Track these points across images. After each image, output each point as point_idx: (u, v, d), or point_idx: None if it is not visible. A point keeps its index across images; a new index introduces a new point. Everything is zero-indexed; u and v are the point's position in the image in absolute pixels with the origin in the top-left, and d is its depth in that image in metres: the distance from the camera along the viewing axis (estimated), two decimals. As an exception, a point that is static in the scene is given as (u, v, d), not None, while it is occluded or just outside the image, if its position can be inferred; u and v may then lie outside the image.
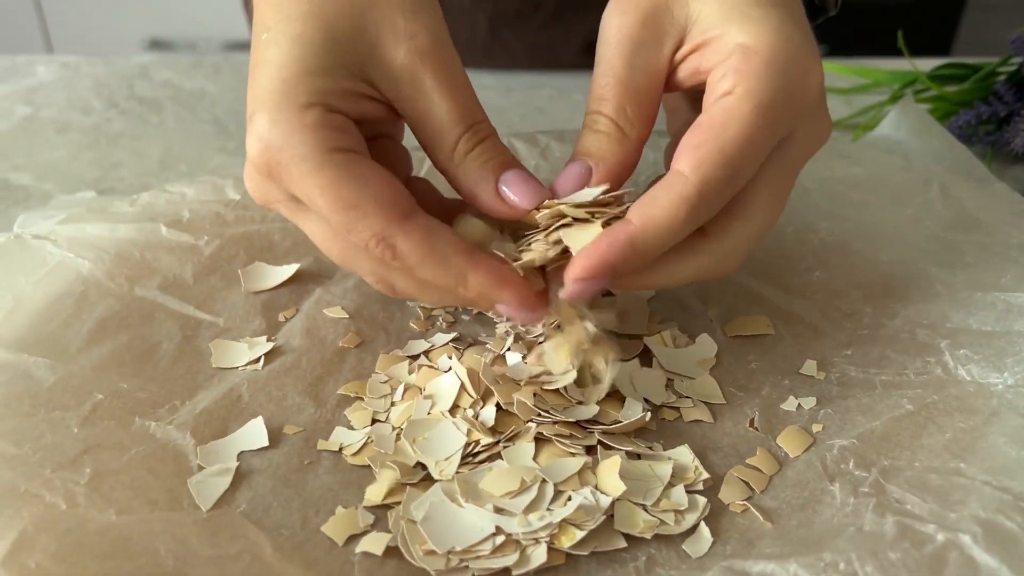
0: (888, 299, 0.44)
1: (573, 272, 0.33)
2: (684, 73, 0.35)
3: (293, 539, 0.33)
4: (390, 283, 0.36)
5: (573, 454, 0.35)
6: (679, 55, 0.35)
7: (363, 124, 0.35)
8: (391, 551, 0.32)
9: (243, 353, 0.41)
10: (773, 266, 0.47)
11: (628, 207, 0.34)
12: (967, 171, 0.51)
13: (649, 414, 0.37)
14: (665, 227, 0.32)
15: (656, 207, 0.32)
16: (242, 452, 0.36)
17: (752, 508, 0.34)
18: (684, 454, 0.36)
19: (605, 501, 0.33)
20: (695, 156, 0.32)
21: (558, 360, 0.37)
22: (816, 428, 0.37)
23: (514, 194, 0.35)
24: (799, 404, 0.38)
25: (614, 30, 0.35)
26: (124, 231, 0.47)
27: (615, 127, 0.35)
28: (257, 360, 0.40)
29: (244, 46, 1.75)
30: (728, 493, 0.34)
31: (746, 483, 0.35)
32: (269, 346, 0.41)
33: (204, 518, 0.33)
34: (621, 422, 0.36)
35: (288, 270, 0.46)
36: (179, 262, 0.46)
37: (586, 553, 0.32)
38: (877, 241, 0.47)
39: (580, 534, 0.32)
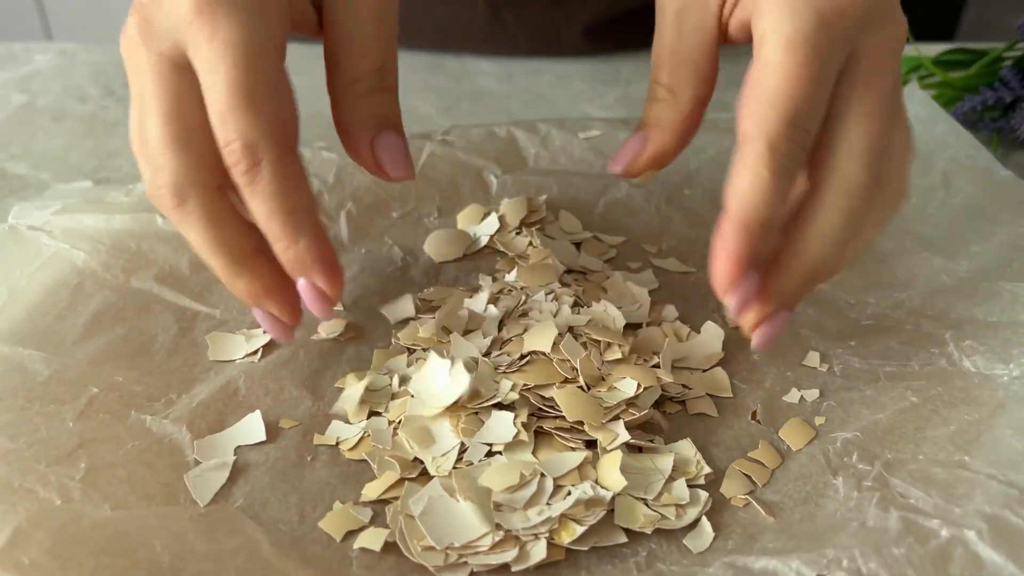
0: (892, 289, 0.43)
1: (720, 284, 0.33)
2: (735, 27, 0.35)
3: (291, 534, 0.32)
4: (183, 195, 0.33)
5: (573, 449, 0.34)
6: (726, 11, 0.35)
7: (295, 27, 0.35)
8: (389, 546, 0.32)
9: (240, 346, 0.40)
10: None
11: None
12: (973, 158, 0.50)
13: (653, 410, 0.37)
14: (759, 192, 0.32)
15: (741, 180, 0.32)
16: (239, 446, 0.36)
17: (754, 502, 0.33)
18: (686, 447, 0.35)
19: (605, 496, 0.32)
20: (750, 118, 0.32)
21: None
22: (819, 421, 0.37)
23: (386, 155, 0.36)
24: (801, 396, 0.38)
25: (659, 2, 0.36)
26: (120, 221, 0.46)
27: (668, 92, 0.36)
28: (255, 353, 0.40)
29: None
30: (730, 487, 0.34)
31: (748, 476, 0.34)
32: (266, 338, 0.41)
33: (201, 513, 0.33)
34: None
35: (285, 261, 0.45)
36: (175, 253, 0.45)
37: (586, 548, 0.31)
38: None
39: (580, 529, 0.31)
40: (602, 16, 0.74)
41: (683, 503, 0.33)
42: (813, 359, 0.40)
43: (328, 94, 0.36)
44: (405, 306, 0.43)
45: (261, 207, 0.32)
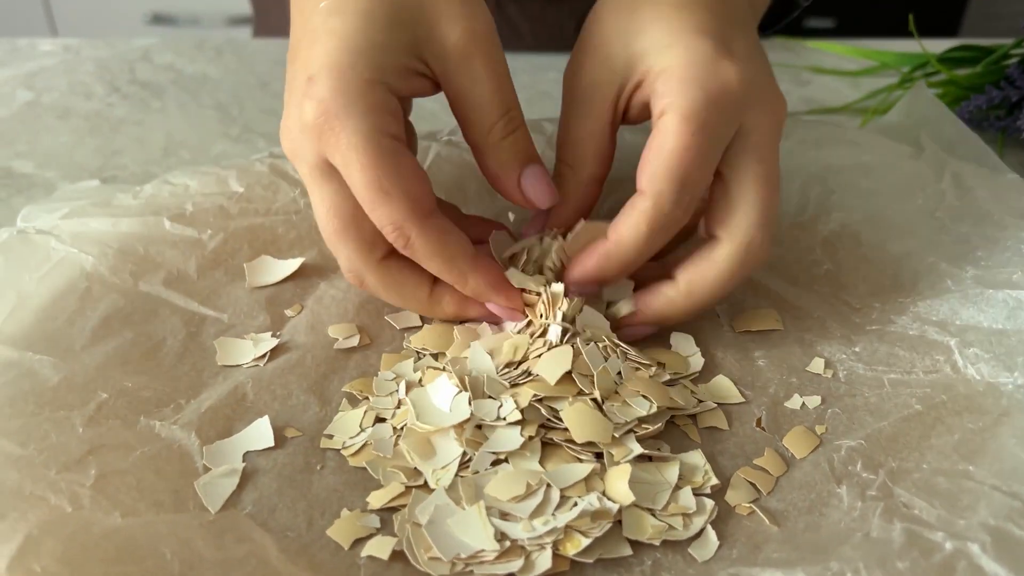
0: (897, 294, 0.43)
1: (568, 278, 0.41)
2: (635, 110, 0.40)
3: (299, 541, 0.33)
4: (361, 276, 0.40)
5: (581, 460, 0.35)
6: (623, 98, 0.39)
7: (408, 101, 0.40)
8: (397, 555, 0.32)
9: (248, 350, 0.41)
10: (781, 258, 0.46)
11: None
12: (979, 160, 0.50)
13: (663, 422, 0.37)
14: (631, 239, 0.38)
15: (621, 224, 0.38)
16: (247, 452, 0.36)
17: (758, 511, 0.33)
18: (695, 457, 0.35)
19: (612, 508, 0.33)
20: (645, 175, 0.37)
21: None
22: (820, 430, 0.37)
23: (532, 190, 0.40)
24: (803, 403, 0.38)
25: (568, 83, 0.41)
26: (127, 225, 0.47)
27: (568, 168, 0.41)
28: (262, 357, 0.40)
29: (246, 21, 1.73)
30: (735, 495, 0.34)
31: (753, 485, 0.34)
32: (274, 343, 0.41)
33: (210, 520, 0.33)
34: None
35: (293, 264, 0.45)
36: (183, 256, 0.45)
37: (591, 561, 0.32)
38: (886, 232, 0.47)
39: (586, 541, 0.32)
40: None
41: (690, 512, 0.33)
42: (818, 365, 0.40)
43: (468, 143, 0.40)
44: (411, 314, 0.43)
45: (428, 265, 0.38)
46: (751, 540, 0.32)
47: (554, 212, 0.42)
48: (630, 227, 0.38)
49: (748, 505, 0.34)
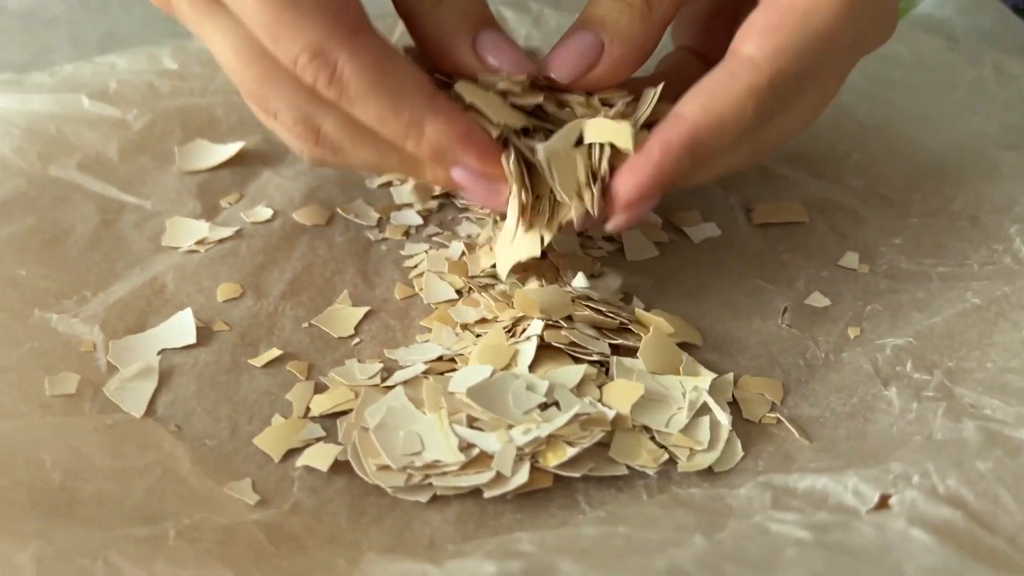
0: (941, 183, 0.37)
1: (624, 194, 0.27)
2: None
3: (219, 451, 0.26)
4: (315, 125, 0.27)
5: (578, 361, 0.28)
6: None
7: None
8: (340, 467, 0.26)
9: (198, 232, 0.34)
10: (803, 151, 0.40)
11: (653, 105, 0.28)
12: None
13: None
14: (731, 124, 0.27)
15: (721, 99, 0.26)
16: (163, 350, 0.29)
17: (785, 420, 0.27)
18: (724, 382, 0.29)
19: (608, 413, 0.26)
20: (772, 41, 0.26)
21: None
22: (853, 332, 0.30)
23: (494, 52, 0.29)
24: (830, 303, 0.32)
25: None
26: (39, 103, 0.40)
27: (647, 6, 0.28)
28: (212, 243, 0.34)
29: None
30: (752, 409, 0.28)
31: (762, 395, 0.28)
32: (229, 231, 0.34)
33: (108, 425, 0.26)
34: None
35: (232, 148, 0.38)
36: (103, 138, 0.38)
37: (577, 475, 0.25)
38: (924, 123, 0.40)
39: (572, 451, 0.25)
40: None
41: (700, 447, 0.26)
42: (851, 260, 0.34)
43: (400, 15, 0.29)
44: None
45: (367, 112, 0.26)
46: (780, 450, 0.26)
47: (615, 55, 0.28)
48: (733, 104, 0.26)
49: (772, 415, 0.28)
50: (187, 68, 0.42)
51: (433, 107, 0.26)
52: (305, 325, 0.31)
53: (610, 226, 0.28)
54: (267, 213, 0.35)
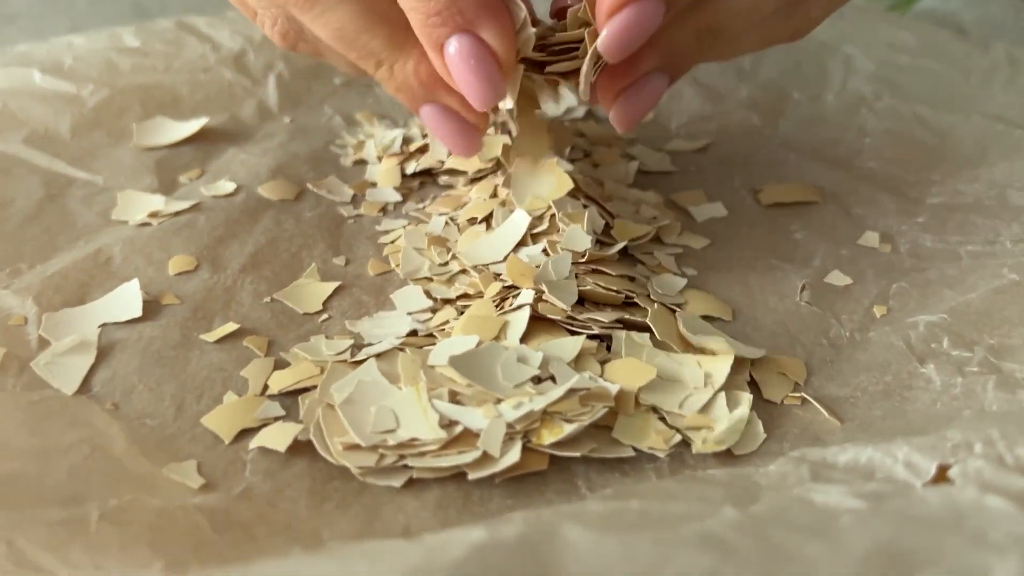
0: (962, 164, 0.34)
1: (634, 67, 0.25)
2: None
3: (161, 431, 0.23)
4: None
5: (573, 332, 0.25)
6: None
7: None
8: (300, 447, 0.22)
9: (155, 204, 0.31)
10: (809, 135, 0.37)
11: None
12: (1037, 39, 0.42)
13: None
14: None
15: None
16: (104, 324, 0.26)
17: (812, 400, 0.24)
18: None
19: (611, 389, 0.23)
20: None
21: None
22: (879, 311, 0.27)
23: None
24: (851, 281, 0.29)
25: None
26: (-14, 77, 0.36)
27: None
28: (167, 216, 0.30)
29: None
30: (773, 389, 0.25)
31: (783, 375, 0.25)
32: (186, 204, 0.31)
33: (33, 402, 0.23)
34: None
35: (194, 124, 0.35)
36: (54, 113, 0.35)
37: (577, 455, 0.22)
38: (938, 105, 0.38)
39: (569, 428, 0.22)
40: None
41: (719, 427, 0.23)
42: (871, 239, 0.31)
43: None
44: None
45: None
46: (808, 432, 0.23)
47: None
48: None
49: (796, 395, 0.24)
50: (150, 46, 0.39)
51: None
52: (267, 300, 0.27)
53: (601, 43, 0.24)
54: (229, 187, 0.32)
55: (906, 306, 0.27)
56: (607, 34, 0.24)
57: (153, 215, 0.30)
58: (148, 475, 0.21)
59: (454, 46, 0.24)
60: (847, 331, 0.27)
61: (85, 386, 0.24)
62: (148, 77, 0.38)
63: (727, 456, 0.22)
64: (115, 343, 0.25)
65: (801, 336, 0.26)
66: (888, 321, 0.27)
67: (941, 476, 0.18)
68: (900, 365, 0.25)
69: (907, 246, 0.30)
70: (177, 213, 0.31)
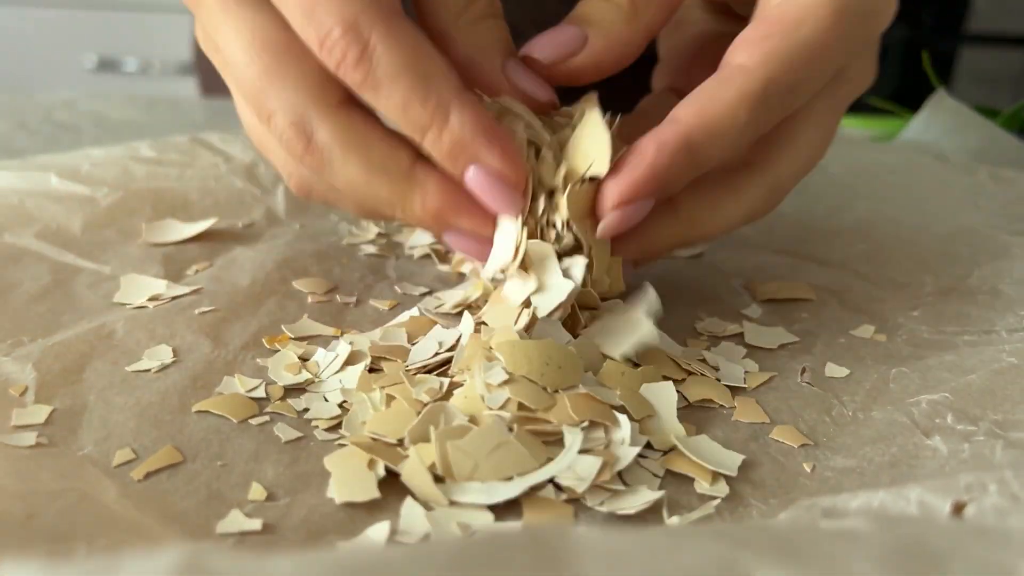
0: (953, 265, 0.35)
1: (616, 191, 0.26)
2: None
3: (154, 487, 0.22)
4: (308, 130, 0.26)
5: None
6: None
7: None
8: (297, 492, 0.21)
9: (157, 287, 0.31)
10: (804, 241, 0.38)
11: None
12: (1017, 163, 0.44)
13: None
14: (726, 128, 0.26)
15: (714, 102, 0.26)
16: (103, 388, 0.26)
17: (820, 466, 0.24)
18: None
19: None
20: (763, 49, 0.26)
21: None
22: (881, 392, 0.27)
23: (522, 78, 0.28)
24: (850, 371, 0.29)
25: None
26: (4, 179, 0.38)
27: (633, 8, 0.28)
28: (168, 299, 0.31)
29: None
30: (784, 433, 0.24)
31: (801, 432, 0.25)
32: (189, 288, 0.31)
33: (24, 455, 0.22)
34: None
35: (202, 224, 0.36)
36: (66, 211, 0.36)
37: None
38: (927, 215, 0.39)
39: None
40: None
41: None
42: (866, 331, 0.31)
43: (428, 31, 0.28)
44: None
45: (392, 96, 0.25)
46: (815, 496, 0.22)
47: (596, 48, 0.28)
48: (726, 108, 0.26)
49: (808, 463, 0.24)
50: (165, 155, 0.41)
51: (461, 97, 0.25)
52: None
53: (601, 227, 0.26)
54: (237, 275, 0.32)
55: (907, 388, 0.27)
56: (605, 224, 0.27)
57: (155, 298, 0.31)
58: (138, 521, 0.20)
59: (471, 176, 0.26)
60: (850, 411, 0.26)
61: (77, 445, 0.23)
62: (161, 183, 0.39)
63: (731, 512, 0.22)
64: (112, 406, 0.25)
65: (803, 413, 0.26)
66: (891, 400, 0.27)
67: (957, 512, 0.18)
68: (905, 438, 0.25)
69: (904, 337, 0.31)
70: (179, 296, 0.31)
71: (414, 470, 0.22)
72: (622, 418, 0.23)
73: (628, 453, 0.22)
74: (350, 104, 0.27)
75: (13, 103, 0.65)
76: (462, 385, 0.25)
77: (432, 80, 0.25)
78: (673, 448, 0.24)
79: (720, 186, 0.29)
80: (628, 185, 0.26)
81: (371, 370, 0.27)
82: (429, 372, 0.26)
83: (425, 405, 0.24)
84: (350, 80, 0.25)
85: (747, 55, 0.26)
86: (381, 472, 0.22)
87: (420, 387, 0.25)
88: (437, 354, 0.27)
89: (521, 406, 0.23)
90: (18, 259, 0.33)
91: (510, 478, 0.21)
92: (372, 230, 0.38)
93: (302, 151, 0.26)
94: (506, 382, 0.23)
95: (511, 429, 0.22)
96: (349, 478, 0.21)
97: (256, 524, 0.21)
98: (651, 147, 0.25)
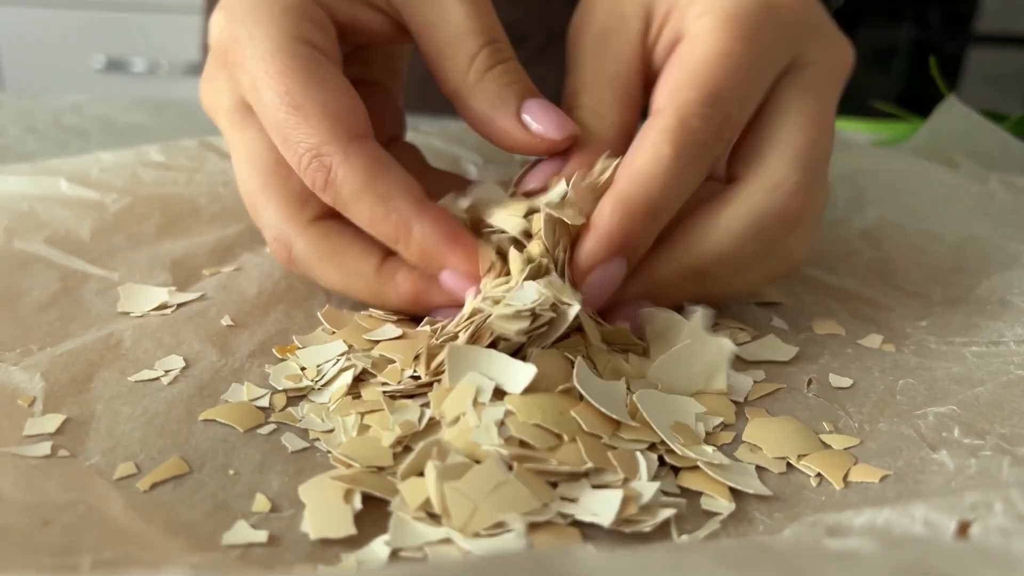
0: (961, 275, 0.35)
1: (581, 262, 0.28)
2: (661, 52, 0.31)
3: (159, 498, 0.22)
4: (288, 244, 0.30)
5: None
6: (651, 35, 0.31)
7: (354, 35, 0.31)
8: (299, 508, 0.21)
9: (157, 297, 0.31)
10: (812, 249, 0.38)
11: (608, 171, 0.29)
12: (1026, 171, 0.44)
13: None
14: (654, 169, 0.27)
15: (638, 156, 0.28)
16: (110, 398, 0.26)
17: (827, 477, 0.23)
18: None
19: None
20: (667, 87, 0.29)
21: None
22: (888, 404, 0.27)
23: (539, 123, 0.29)
24: (853, 382, 0.29)
25: (575, 36, 0.32)
26: (16, 184, 0.38)
27: (592, 112, 0.30)
28: (175, 307, 0.31)
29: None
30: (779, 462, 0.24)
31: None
32: (194, 295, 0.32)
33: (32, 465, 0.22)
34: None
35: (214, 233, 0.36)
36: (76, 217, 0.36)
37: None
38: (936, 224, 0.39)
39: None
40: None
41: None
42: (874, 340, 0.31)
43: (446, 93, 0.31)
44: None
45: (359, 214, 0.28)
46: (820, 510, 0.22)
47: (577, 160, 0.29)
48: (650, 156, 0.27)
49: (815, 477, 0.24)
50: (174, 160, 0.41)
51: (420, 210, 0.27)
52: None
53: (583, 296, 0.27)
54: (244, 284, 0.33)
55: (914, 400, 0.27)
56: (584, 292, 0.28)
57: (160, 307, 0.31)
58: (143, 533, 0.20)
59: (446, 278, 0.28)
60: (856, 423, 0.26)
61: (85, 455, 0.23)
62: (169, 188, 0.39)
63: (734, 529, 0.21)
64: (119, 416, 0.25)
65: (810, 425, 0.26)
66: (897, 412, 0.27)
67: (963, 532, 0.18)
68: (912, 452, 0.25)
69: (912, 347, 0.30)
70: (184, 304, 0.31)
71: (406, 513, 0.21)
72: (641, 459, 0.23)
73: (649, 489, 0.22)
74: (327, 217, 0.30)
75: (21, 106, 0.65)
76: (440, 421, 0.24)
77: (390, 198, 0.27)
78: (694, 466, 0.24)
79: (708, 202, 0.30)
80: (588, 255, 0.27)
81: (359, 379, 0.27)
82: (411, 396, 0.26)
83: (398, 439, 0.24)
84: (326, 200, 0.28)
85: (658, 98, 0.29)
86: (358, 505, 0.21)
87: (399, 414, 0.25)
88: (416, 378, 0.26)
89: (523, 443, 0.23)
90: (28, 266, 0.33)
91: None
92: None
93: (287, 262, 0.30)
94: (505, 418, 0.23)
95: (511, 467, 0.22)
96: (324, 512, 0.21)
97: (262, 536, 0.21)
98: (598, 215, 0.27)
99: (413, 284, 0.29)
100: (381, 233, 0.28)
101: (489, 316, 0.26)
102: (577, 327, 0.28)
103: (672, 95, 0.28)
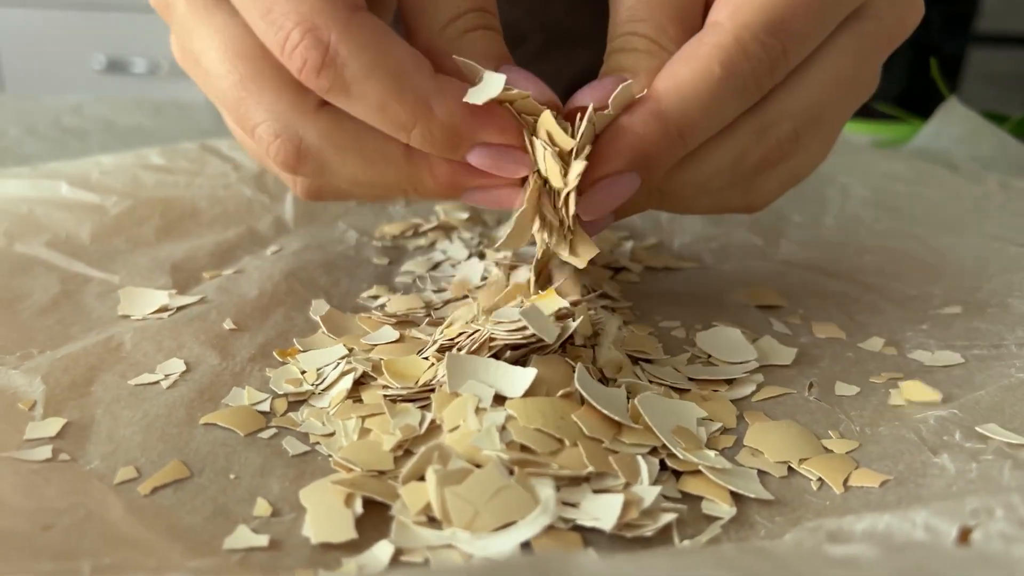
0: (962, 278, 0.35)
1: (599, 170, 0.25)
2: None
3: (160, 502, 0.22)
4: (296, 137, 0.25)
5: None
6: None
7: None
8: (300, 514, 0.21)
9: (157, 300, 0.31)
10: (810, 253, 0.38)
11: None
12: (1027, 174, 0.44)
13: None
14: (700, 88, 0.25)
15: (686, 64, 0.25)
16: (110, 402, 0.26)
17: (828, 481, 0.23)
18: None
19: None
20: (727, 6, 0.25)
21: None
22: (889, 407, 0.27)
23: (518, 82, 0.26)
24: (859, 390, 0.28)
25: None
26: (15, 187, 0.38)
27: (655, 45, 0.27)
28: (175, 310, 0.31)
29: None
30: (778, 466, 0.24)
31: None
32: (194, 298, 0.32)
33: (33, 469, 0.22)
34: None
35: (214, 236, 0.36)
36: (76, 220, 0.36)
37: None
38: (935, 227, 0.39)
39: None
40: (589, 71, 0.69)
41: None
42: (875, 344, 0.31)
43: (418, 48, 0.27)
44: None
45: (365, 98, 0.24)
46: (821, 515, 0.22)
47: (638, 85, 0.26)
48: (697, 69, 0.25)
49: (816, 480, 0.24)
50: (174, 163, 0.41)
51: (439, 85, 0.24)
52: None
53: (584, 213, 0.26)
54: (244, 287, 0.33)
55: (915, 403, 0.27)
56: (588, 201, 0.26)
57: (160, 310, 0.31)
58: (144, 538, 0.20)
59: (475, 156, 0.25)
60: (857, 426, 0.26)
61: (85, 459, 0.23)
62: (170, 191, 0.39)
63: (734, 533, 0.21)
64: (119, 420, 0.25)
65: (812, 428, 0.26)
66: (898, 416, 0.27)
67: (964, 539, 0.18)
68: (913, 456, 0.24)
69: (913, 351, 0.30)
70: (185, 307, 0.31)
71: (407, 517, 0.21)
72: (642, 463, 0.23)
73: (650, 493, 0.22)
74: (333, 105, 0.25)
75: (22, 107, 0.65)
76: (441, 425, 0.24)
77: (405, 75, 0.24)
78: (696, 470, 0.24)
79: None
80: (610, 162, 0.25)
81: (359, 383, 0.27)
82: (411, 400, 0.26)
83: (399, 443, 0.23)
84: (316, 87, 0.24)
85: (718, 11, 0.26)
86: (359, 509, 0.21)
87: (399, 418, 0.25)
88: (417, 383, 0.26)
89: (524, 448, 0.23)
90: (28, 269, 0.33)
91: (512, 523, 0.21)
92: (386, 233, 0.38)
93: (295, 161, 0.26)
94: (506, 423, 0.23)
95: (511, 472, 0.22)
96: (325, 516, 0.21)
97: (263, 540, 0.21)
98: (625, 124, 0.25)
99: (451, 164, 0.26)
100: (391, 119, 0.24)
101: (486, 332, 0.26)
102: (570, 339, 0.27)
103: (736, 12, 0.25)
